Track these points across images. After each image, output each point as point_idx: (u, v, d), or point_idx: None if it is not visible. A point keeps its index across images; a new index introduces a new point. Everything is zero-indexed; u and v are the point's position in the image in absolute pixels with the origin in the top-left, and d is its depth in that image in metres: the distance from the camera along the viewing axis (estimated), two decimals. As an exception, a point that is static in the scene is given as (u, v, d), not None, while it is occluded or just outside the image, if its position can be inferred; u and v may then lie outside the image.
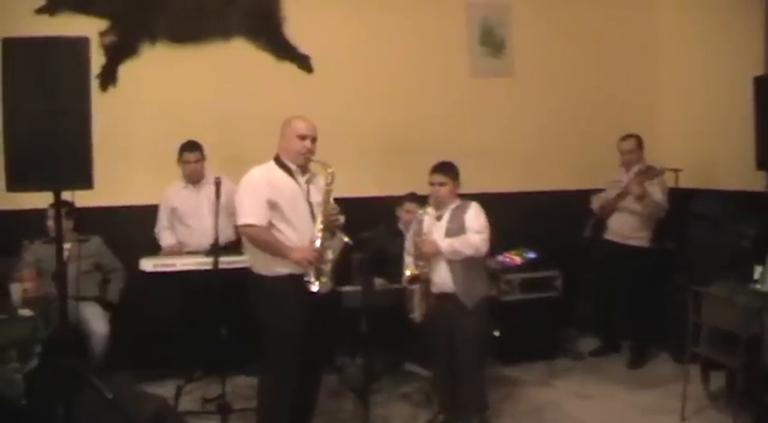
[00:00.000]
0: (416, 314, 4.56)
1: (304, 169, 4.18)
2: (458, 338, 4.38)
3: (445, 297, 4.40)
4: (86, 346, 4.88)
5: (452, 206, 4.45)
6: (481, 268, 4.52)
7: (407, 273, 4.46)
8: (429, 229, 4.47)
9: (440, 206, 4.48)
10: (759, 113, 5.08)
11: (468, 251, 4.29)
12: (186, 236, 5.38)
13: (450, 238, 4.34)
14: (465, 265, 4.35)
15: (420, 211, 4.54)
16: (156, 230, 5.46)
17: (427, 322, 4.51)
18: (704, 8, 6.26)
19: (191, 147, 5.39)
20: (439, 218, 4.46)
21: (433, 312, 4.47)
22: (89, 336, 4.92)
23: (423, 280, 4.44)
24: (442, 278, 4.39)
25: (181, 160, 5.40)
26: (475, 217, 4.37)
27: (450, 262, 4.35)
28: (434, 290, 4.44)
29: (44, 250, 4.87)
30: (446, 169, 4.48)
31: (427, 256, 4.40)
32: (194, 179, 5.38)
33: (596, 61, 6.76)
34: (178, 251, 5.28)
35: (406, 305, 4.64)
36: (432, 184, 4.47)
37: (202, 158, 5.41)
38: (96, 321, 5.00)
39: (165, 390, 4.95)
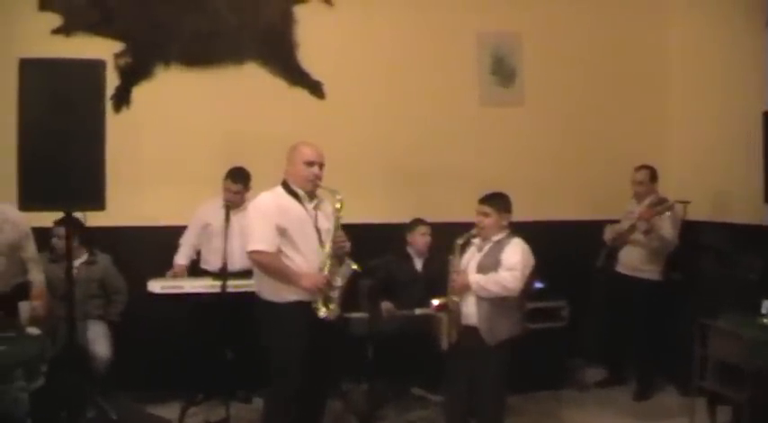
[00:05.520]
0: (443, 342, 4.38)
1: (311, 195, 4.19)
2: (477, 378, 4.23)
3: (470, 330, 4.23)
4: (91, 366, 4.86)
5: (495, 239, 4.33)
6: (512, 307, 4.28)
7: (434, 302, 4.33)
8: (467, 261, 4.36)
9: (483, 237, 4.37)
10: (768, 148, 5.09)
11: (496, 289, 4.14)
12: (212, 254, 5.24)
13: (480, 275, 4.21)
14: (492, 302, 4.19)
15: (462, 238, 4.39)
16: (180, 242, 5.43)
17: (451, 352, 4.34)
18: (715, 43, 6.28)
19: (234, 177, 5.27)
20: (480, 249, 4.36)
21: (459, 343, 4.30)
22: (93, 357, 4.92)
23: (450, 310, 4.28)
24: (470, 310, 4.24)
25: (224, 184, 5.29)
26: (512, 253, 4.23)
27: (478, 296, 4.22)
28: (463, 321, 4.28)
29: (51, 269, 4.86)
30: (492, 200, 4.37)
31: (457, 289, 4.27)
32: (232, 206, 5.12)
33: (607, 92, 6.75)
34: (181, 275, 5.24)
35: (432, 331, 4.47)
36: (477, 213, 4.38)
37: (244, 190, 5.27)
38: (100, 343, 5.01)
39: (170, 411, 4.95)
